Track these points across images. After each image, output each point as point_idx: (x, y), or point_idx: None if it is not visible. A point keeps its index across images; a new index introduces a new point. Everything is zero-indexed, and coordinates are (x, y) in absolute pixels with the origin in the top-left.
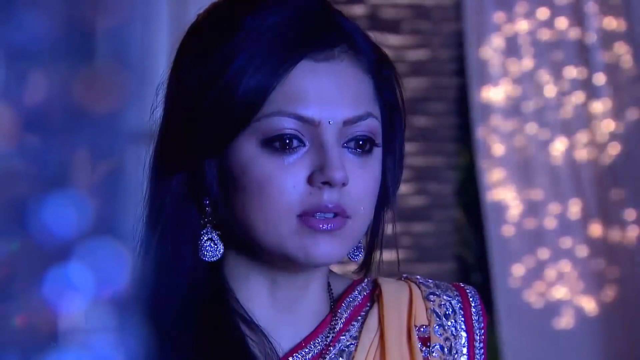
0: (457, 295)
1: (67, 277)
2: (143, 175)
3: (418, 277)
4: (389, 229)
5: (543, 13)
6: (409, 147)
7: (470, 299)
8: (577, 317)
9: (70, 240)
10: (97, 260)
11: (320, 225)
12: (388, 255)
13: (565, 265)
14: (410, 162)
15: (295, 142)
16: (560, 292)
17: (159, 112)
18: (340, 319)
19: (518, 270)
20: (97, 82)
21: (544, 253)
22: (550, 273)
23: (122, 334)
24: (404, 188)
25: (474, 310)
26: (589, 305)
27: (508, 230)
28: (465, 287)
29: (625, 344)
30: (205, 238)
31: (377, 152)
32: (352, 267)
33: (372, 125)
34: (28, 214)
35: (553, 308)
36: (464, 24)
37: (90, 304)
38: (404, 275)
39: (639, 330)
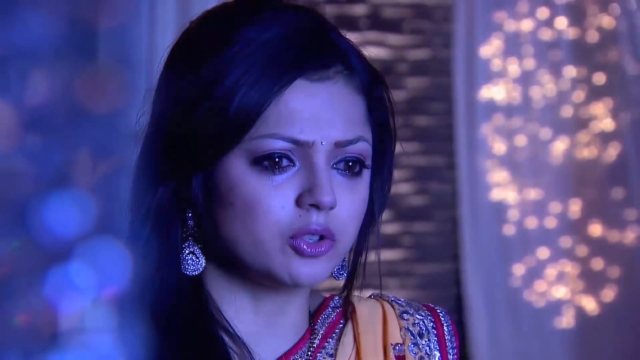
0: (429, 315)
1: (68, 277)
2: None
3: (390, 296)
4: (388, 228)
5: (543, 12)
6: (409, 146)
7: (442, 319)
8: (578, 316)
9: (71, 240)
10: (98, 260)
11: (308, 250)
12: (389, 255)
13: (565, 265)
14: (411, 161)
15: (285, 162)
16: (560, 292)
17: (146, 118)
18: (317, 335)
19: (518, 269)
20: (100, 82)
21: (544, 252)
22: (551, 272)
23: (122, 334)
24: (404, 187)
25: (446, 330)
26: (590, 305)
27: (509, 230)
28: (436, 308)
29: (626, 344)
30: (187, 251)
31: (366, 173)
32: (330, 282)
33: (363, 148)
34: (29, 213)
35: (554, 308)
36: (463, 23)
37: (91, 304)
38: (374, 293)
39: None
